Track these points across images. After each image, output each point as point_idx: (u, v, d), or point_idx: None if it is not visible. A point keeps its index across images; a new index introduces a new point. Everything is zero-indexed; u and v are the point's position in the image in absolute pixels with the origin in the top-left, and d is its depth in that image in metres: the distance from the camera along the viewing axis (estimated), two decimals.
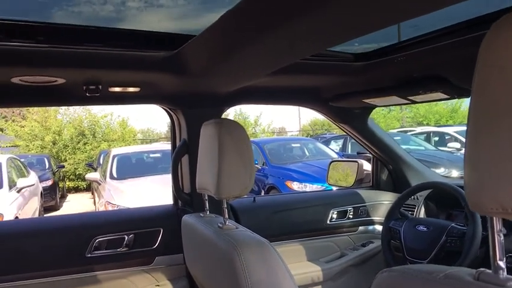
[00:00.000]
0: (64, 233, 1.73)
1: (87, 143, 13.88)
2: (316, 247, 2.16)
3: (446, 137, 10.16)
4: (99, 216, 2.02)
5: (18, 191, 5.94)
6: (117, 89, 1.54)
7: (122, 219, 1.86)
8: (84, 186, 12.96)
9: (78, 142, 13.85)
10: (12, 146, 14.30)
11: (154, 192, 4.89)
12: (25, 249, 1.64)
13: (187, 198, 1.83)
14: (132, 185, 5.65)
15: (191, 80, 1.51)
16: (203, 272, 1.37)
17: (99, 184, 6.60)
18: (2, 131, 15.66)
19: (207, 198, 1.45)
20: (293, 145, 8.47)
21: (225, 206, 1.27)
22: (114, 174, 6.18)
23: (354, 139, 2.43)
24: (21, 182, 6.21)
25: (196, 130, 1.72)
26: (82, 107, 14.87)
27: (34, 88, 1.43)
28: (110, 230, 1.75)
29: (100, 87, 1.45)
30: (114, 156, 6.65)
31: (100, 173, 6.97)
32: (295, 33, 0.95)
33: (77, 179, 13.22)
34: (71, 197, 12.10)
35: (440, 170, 6.20)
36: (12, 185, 5.91)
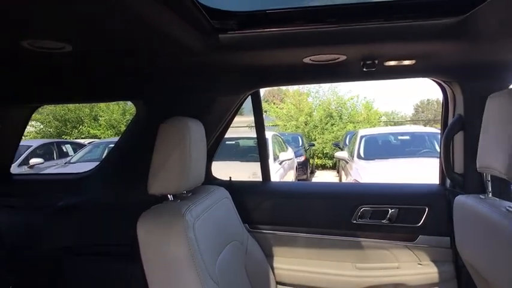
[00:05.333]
0: (335, 198, 1.90)
1: (334, 124, 14.76)
2: None
3: None
4: (365, 187, 2.11)
5: (280, 163, 6.90)
6: (392, 63, 1.54)
7: (386, 192, 1.88)
8: (330, 164, 13.88)
9: (326, 123, 14.88)
10: (272, 125, 16.68)
11: (402, 175, 4.76)
12: (305, 207, 1.89)
13: (459, 179, 1.68)
14: (379, 166, 5.65)
15: (477, 47, 1.35)
16: (484, 260, 1.24)
17: (347, 163, 6.91)
18: (266, 112, 18.47)
19: (489, 179, 1.30)
20: None
21: None
22: (362, 154, 6.33)
23: None
24: (282, 156, 7.19)
25: (476, 104, 1.55)
26: (331, 90, 15.88)
27: (319, 66, 1.59)
28: (374, 201, 1.81)
29: (376, 62, 1.48)
30: (361, 137, 6.81)
31: (347, 153, 7.30)
32: None
33: (324, 157, 14.26)
34: (318, 173, 13.20)
35: None
36: (275, 157, 6.91)
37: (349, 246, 1.82)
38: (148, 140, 1.36)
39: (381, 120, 17.52)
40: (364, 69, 1.52)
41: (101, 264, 1.81)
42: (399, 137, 6.88)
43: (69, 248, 1.86)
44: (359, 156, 6.29)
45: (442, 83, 1.73)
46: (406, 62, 1.54)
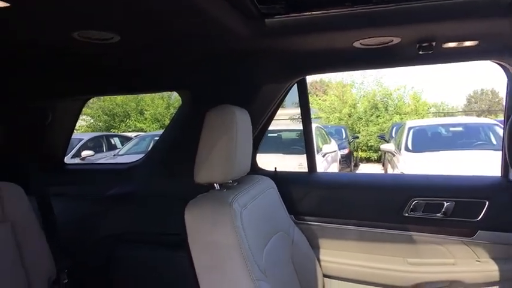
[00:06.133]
0: (385, 190, 1.82)
1: (379, 115, 14.31)
2: None
3: None
4: (418, 179, 2.01)
5: (323, 156, 6.80)
6: (451, 45, 1.43)
7: (441, 184, 1.78)
8: (375, 157, 13.50)
9: (371, 115, 14.46)
10: (315, 118, 16.45)
11: (454, 168, 4.52)
12: (353, 199, 1.83)
13: None
14: (429, 158, 5.41)
15: None
16: None
17: (393, 156, 6.69)
18: None
19: None
20: None
21: None
22: (410, 147, 6.10)
23: None
24: (325, 148, 7.09)
25: None
26: (376, 81, 15.39)
27: (370, 50, 1.52)
28: (428, 194, 1.71)
29: (434, 44, 1.38)
30: (409, 129, 6.56)
31: (394, 145, 7.06)
32: None
33: (369, 150, 13.88)
34: (362, 166, 12.88)
35: None
36: (318, 149, 6.80)
37: (400, 240, 1.74)
38: (195, 129, 1.35)
39: (430, 112, 16.78)
40: (420, 53, 1.42)
41: (149, 253, 1.84)
42: (451, 129, 6.54)
43: (118, 236, 1.91)
44: (407, 149, 6.07)
45: (507, 66, 1.59)
46: (468, 43, 1.42)
